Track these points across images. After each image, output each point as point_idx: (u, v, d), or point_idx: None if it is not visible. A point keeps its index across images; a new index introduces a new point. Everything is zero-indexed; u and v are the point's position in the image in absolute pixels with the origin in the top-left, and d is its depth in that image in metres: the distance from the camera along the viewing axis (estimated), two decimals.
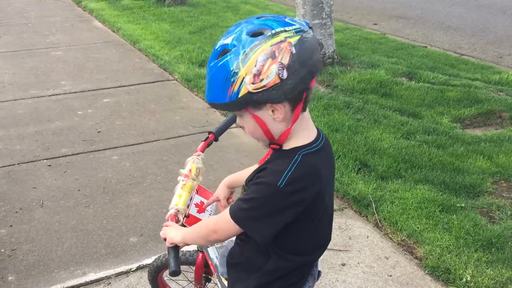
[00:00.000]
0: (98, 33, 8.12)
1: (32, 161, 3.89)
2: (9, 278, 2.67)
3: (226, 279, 1.62)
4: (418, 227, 3.00)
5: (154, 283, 2.18)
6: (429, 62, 6.30)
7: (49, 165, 3.83)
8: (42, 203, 3.34)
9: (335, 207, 3.20)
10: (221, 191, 1.71)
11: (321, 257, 1.51)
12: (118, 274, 2.70)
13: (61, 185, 3.56)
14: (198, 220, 1.63)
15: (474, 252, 2.79)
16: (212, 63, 1.21)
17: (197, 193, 1.69)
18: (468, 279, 2.59)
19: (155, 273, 2.12)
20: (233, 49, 1.17)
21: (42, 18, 9.14)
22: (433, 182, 3.48)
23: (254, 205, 1.25)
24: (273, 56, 1.14)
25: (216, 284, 1.88)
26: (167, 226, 1.55)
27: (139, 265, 2.76)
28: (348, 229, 3.09)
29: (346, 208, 3.32)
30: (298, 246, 1.36)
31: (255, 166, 1.45)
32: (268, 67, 1.14)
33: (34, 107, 4.95)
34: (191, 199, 1.66)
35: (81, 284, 2.63)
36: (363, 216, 3.23)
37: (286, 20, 1.20)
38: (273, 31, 1.16)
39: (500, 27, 8.43)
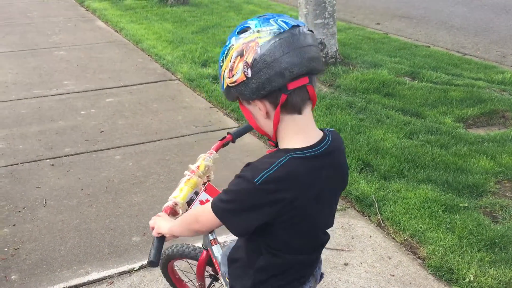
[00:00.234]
0: (101, 33, 8.14)
1: (35, 161, 3.90)
2: (12, 277, 2.67)
3: (228, 278, 1.63)
4: (421, 227, 2.99)
5: (165, 270, 2.24)
6: (432, 61, 6.29)
7: (52, 165, 3.84)
8: (45, 203, 3.35)
9: (337, 206, 3.19)
10: None
11: (324, 256, 1.51)
12: (120, 274, 2.71)
13: (64, 184, 3.57)
14: None
15: (477, 252, 2.78)
16: None
17: (205, 190, 1.69)
18: (471, 279, 2.59)
19: (166, 261, 2.17)
20: (226, 44, 1.26)
21: (45, 18, 9.17)
22: (436, 182, 3.48)
23: (231, 198, 1.25)
24: (241, 54, 1.20)
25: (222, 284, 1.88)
26: (159, 216, 1.55)
27: (142, 265, 2.76)
28: (350, 228, 3.09)
29: (348, 208, 3.32)
30: (284, 245, 1.34)
31: None
32: (237, 64, 1.21)
33: (37, 107, 4.97)
34: (197, 196, 1.67)
35: (84, 283, 2.64)
36: (366, 216, 3.23)
37: (271, 20, 1.21)
38: (252, 30, 1.21)
39: (504, 27, 8.40)
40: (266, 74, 1.18)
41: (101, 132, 4.42)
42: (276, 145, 1.32)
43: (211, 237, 1.82)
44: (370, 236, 3.02)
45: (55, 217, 3.19)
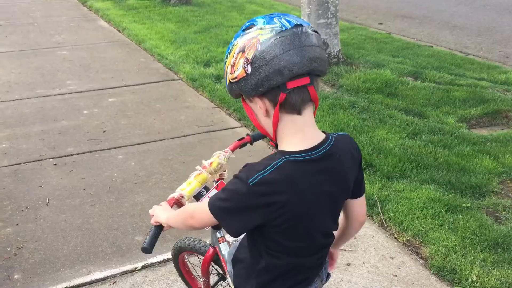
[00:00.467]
0: (104, 32, 8.15)
1: (38, 160, 3.91)
2: (15, 276, 2.68)
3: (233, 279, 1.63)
4: (423, 227, 2.99)
5: (176, 260, 2.27)
6: (435, 61, 6.28)
7: (55, 164, 3.85)
8: (48, 202, 3.36)
9: None
10: None
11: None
12: (123, 273, 2.71)
13: (67, 184, 3.58)
14: None
15: (480, 252, 2.78)
16: None
17: (216, 188, 1.70)
18: (474, 279, 2.58)
19: (178, 252, 2.19)
20: (232, 41, 1.27)
21: (48, 18, 9.19)
22: (438, 182, 3.47)
23: (227, 197, 1.25)
24: (243, 50, 1.21)
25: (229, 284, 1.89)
26: (160, 206, 1.56)
27: (144, 264, 2.77)
28: None
29: None
30: (282, 248, 1.33)
31: None
32: (238, 60, 1.22)
33: (40, 107, 4.98)
34: (207, 192, 1.67)
35: (87, 283, 2.64)
36: (369, 216, 3.22)
37: (275, 19, 1.21)
38: (256, 27, 1.21)
39: (507, 27, 8.38)
40: (265, 71, 1.18)
41: (103, 131, 4.42)
42: (276, 145, 1.32)
43: (218, 235, 1.82)
44: (373, 236, 3.02)
45: (58, 217, 3.20)
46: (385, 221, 3.13)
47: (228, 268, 1.66)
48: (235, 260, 1.55)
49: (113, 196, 3.43)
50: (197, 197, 1.67)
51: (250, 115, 1.33)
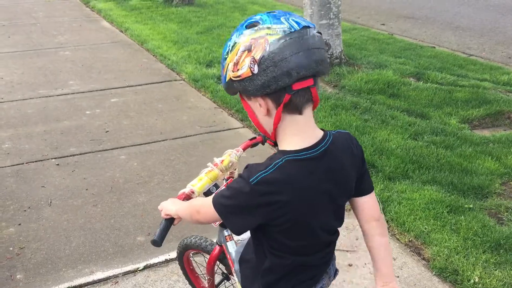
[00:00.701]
0: (106, 33, 8.16)
1: (41, 160, 3.91)
2: (18, 276, 2.69)
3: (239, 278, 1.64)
4: (425, 228, 2.99)
5: (180, 258, 2.28)
6: (437, 62, 6.27)
7: (58, 164, 3.86)
8: (50, 202, 3.36)
9: None
10: None
11: None
12: (125, 273, 2.72)
13: (69, 184, 3.58)
14: None
15: (482, 253, 2.77)
16: None
17: (225, 186, 1.70)
18: (476, 280, 2.58)
19: (183, 249, 2.20)
20: (231, 37, 1.25)
21: (51, 18, 9.20)
22: (441, 183, 3.47)
23: (230, 194, 1.27)
24: (249, 49, 1.18)
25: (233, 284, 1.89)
26: (169, 200, 1.57)
27: (146, 264, 2.77)
28: (355, 229, 3.08)
29: None
30: (285, 247, 1.34)
31: None
32: (243, 59, 1.19)
33: (43, 107, 4.99)
34: (216, 189, 1.68)
35: (89, 283, 2.65)
36: None
37: (282, 18, 1.20)
38: (261, 26, 1.19)
39: (509, 27, 8.37)
40: (273, 72, 1.17)
41: (106, 132, 4.43)
42: (275, 144, 1.32)
43: (226, 233, 1.83)
44: None
45: (60, 217, 3.20)
46: (387, 222, 3.12)
47: (235, 266, 1.67)
48: (242, 259, 1.55)
49: (115, 196, 3.43)
50: (207, 194, 1.68)
51: (249, 112, 1.32)
